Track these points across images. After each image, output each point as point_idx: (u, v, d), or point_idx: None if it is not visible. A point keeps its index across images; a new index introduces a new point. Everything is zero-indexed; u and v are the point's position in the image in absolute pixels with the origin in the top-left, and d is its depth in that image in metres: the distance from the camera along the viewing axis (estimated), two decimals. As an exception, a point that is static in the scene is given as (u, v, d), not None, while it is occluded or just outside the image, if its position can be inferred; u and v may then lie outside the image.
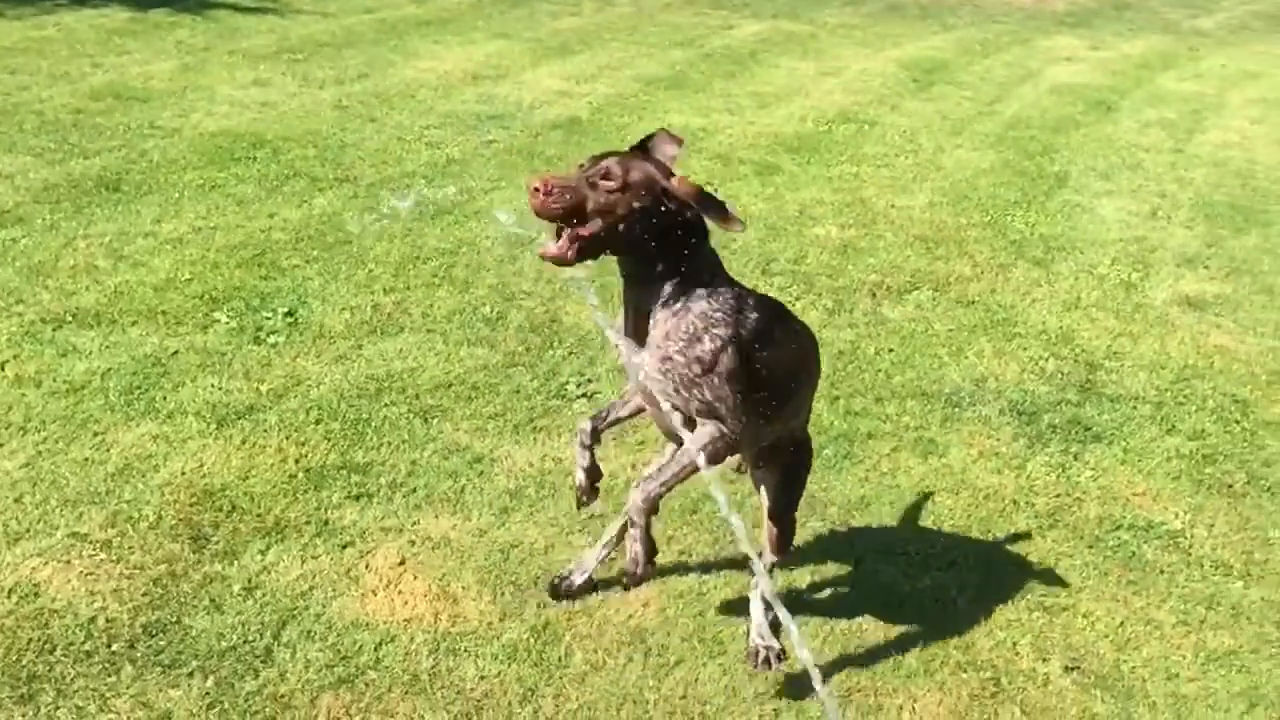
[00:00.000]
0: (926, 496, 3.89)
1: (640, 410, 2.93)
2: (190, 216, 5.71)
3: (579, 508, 3.11)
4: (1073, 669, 3.15)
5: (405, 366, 4.48)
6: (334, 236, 5.61)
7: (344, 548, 3.41)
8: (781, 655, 3.04)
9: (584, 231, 2.56)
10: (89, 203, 5.78)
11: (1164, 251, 6.28)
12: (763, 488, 3.09)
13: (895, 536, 3.69)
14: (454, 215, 6.04)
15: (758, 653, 3.05)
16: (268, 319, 4.73)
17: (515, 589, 3.31)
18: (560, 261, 2.60)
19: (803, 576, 3.46)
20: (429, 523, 3.56)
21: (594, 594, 3.30)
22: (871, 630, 3.25)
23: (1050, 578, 3.52)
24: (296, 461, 3.81)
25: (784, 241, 6.04)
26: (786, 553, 3.14)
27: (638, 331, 2.70)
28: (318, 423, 4.04)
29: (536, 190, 2.54)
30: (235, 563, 3.31)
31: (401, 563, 3.37)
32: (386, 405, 4.19)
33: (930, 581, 3.49)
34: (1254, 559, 3.69)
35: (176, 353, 4.43)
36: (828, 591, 3.41)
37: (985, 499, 3.90)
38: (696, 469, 2.69)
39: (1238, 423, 4.52)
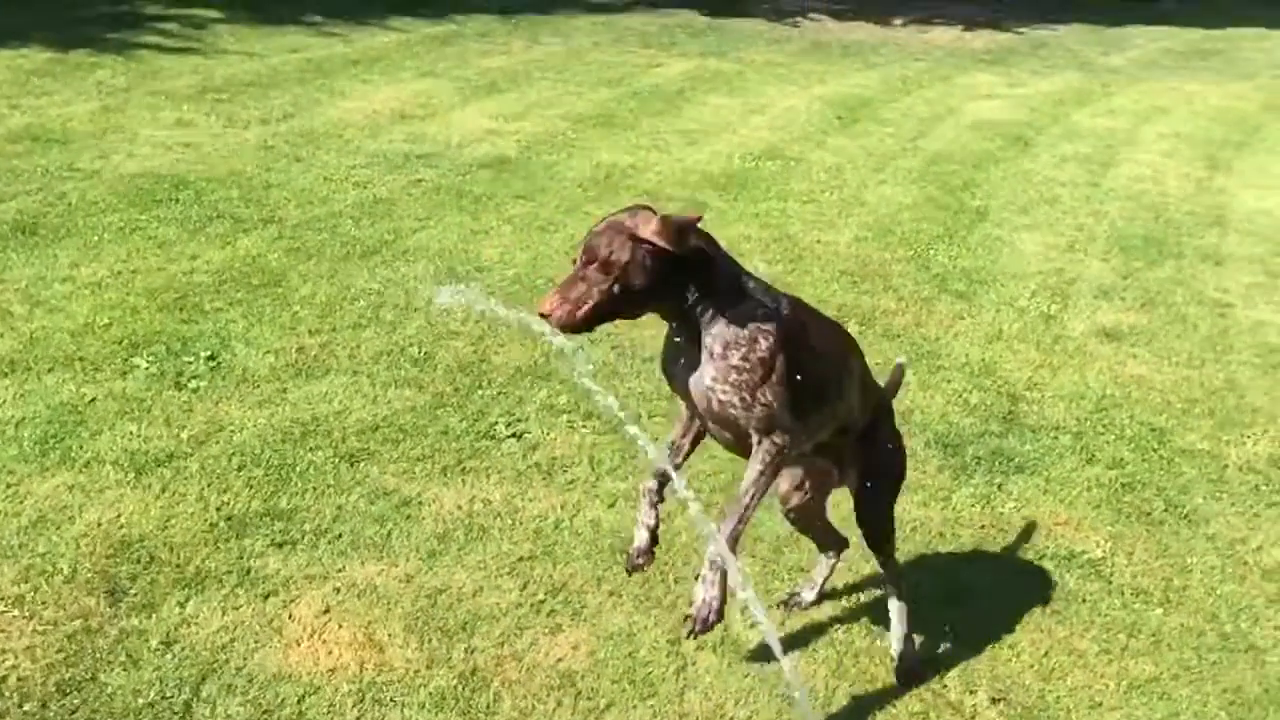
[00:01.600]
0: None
1: (696, 442, 2.95)
2: (110, 260, 5.61)
3: (630, 572, 2.99)
4: (999, 700, 3.18)
5: (331, 409, 4.42)
6: (258, 278, 5.54)
7: (266, 597, 3.35)
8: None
9: (587, 307, 2.53)
10: (4, 247, 5.65)
11: (1082, 283, 6.42)
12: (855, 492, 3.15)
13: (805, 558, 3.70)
14: (382, 255, 6.00)
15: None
16: (189, 363, 4.65)
17: (443, 635, 3.27)
18: (567, 329, 2.58)
19: (733, 615, 3.46)
20: (354, 569, 3.51)
21: (521, 635, 3.28)
22: (801, 666, 3.25)
23: (976, 609, 3.55)
24: (218, 509, 3.74)
25: (712, 278, 6.07)
26: (884, 551, 3.18)
27: (687, 360, 2.70)
28: (240, 469, 3.97)
29: (546, 317, 2.55)
30: (153, 615, 3.23)
31: (326, 611, 3.32)
32: (311, 450, 4.13)
33: (858, 616, 3.51)
34: (1173, 586, 3.77)
35: (94, 400, 4.33)
36: (755, 625, 3.41)
37: (912, 531, 3.93)
38: (766, 488, 2.72)
39: (1155, 451, 4.63)
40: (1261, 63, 14.39)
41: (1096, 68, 13.34)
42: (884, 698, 3.17)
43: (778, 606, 3.49)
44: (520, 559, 3.65)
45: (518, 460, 4.22)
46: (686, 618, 2.66)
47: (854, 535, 3.29)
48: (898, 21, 15.47)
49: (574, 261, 2.58)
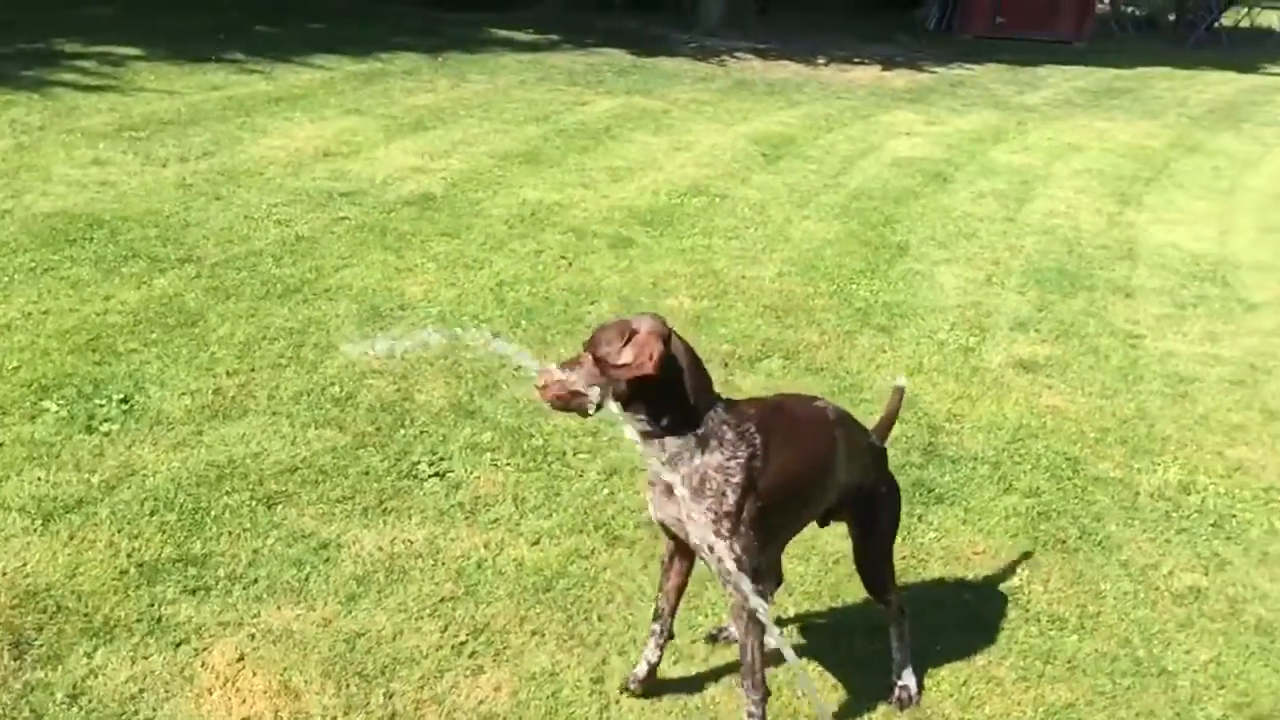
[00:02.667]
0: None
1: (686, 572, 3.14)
2: (20, 301, 5.48)
3: (622, 691, 3.23)
4: (920, 730, 3.21)
5: (248, 451, 4.35)
6: (175, 319, 5.45)
7: (178, 646, 3.27)
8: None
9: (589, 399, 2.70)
10: (-92, 288, 5.50)
11: (999, 316, 6.56)
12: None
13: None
14: (303, 294, 5.93)
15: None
16: (101, 406, 4.55)
17: (361, 679, 3.22)
18: (557, 408, 2.79)
19: (653, 650, 3.45)
20: (270, 614, 3.44)
21: (441, 678, 3.23)
22: (725, 703, 3.25)
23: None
24: (129, 556, 3.65)
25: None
26: (884, 599, 3.27)
27: (662, 488, 2.82)
28: (152, 514, 3.88)
29: (540, 389, 2.75)
30: (59, 667, 3.13)
31: (240, 659, 3.25)
32: (227, 493, 4.06)
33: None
34: (1087, 612, 3.83)
35: (0, 445, 4.21)
36: (677, 666, 3.40)
37: (835, 564, 3.96)
38: (759, 636, 2.86)
39: (1069, 479, 4.72)
40: (1169, 101, 14.88)
41: (1012, 106, 13.69)
42: (806, 731, 3.18)
43: (705, 640, 3.49)
44: (442, 600, 3.61)
45: (440, 499, 4.18)
46: None
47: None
48: (821, 61, 15.76)
49: (583, 345, 2.74)
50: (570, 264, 6.79)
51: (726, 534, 2.73)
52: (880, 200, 8.82)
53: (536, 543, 3.96)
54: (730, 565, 2.75)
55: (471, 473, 4.38)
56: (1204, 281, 7.47)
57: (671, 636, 3.26)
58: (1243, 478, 4.85)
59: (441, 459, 4.45)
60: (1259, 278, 7.64)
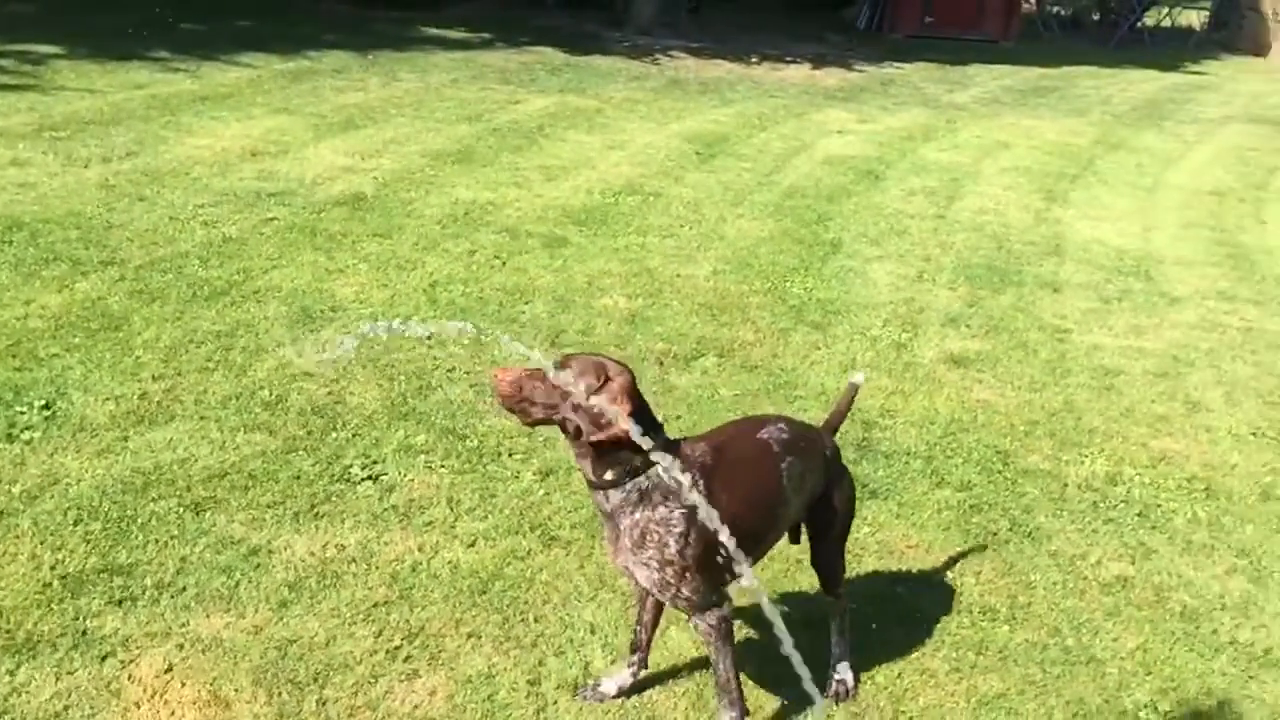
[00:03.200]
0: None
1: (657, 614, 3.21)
2: (-66, 306, 5.32)
3: (577, 697, 3.23)
4: (855, 724, 3.24)
5: (175, 457, 4.26)
6: (98, 323, 5.32)
7: (104, 659, 3.19)
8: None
9: (531, 415, 2.69)
10: None
11: (930, 312, 6.64)
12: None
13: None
14: (231, 296, 5.83)
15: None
16: (21, 414, 4.43)
17: (293, 687, 3.17)
18: (503, 406, 2.72)
19: (592, 643, 3.44)
20: (199, 623, 3.38)
21: (375, 684, 3.19)
22: (661, 702, 3.25)
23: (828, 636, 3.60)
24: (52, 568, 3.55)
25: (573, 314, 6.09)
26: (835, 593, 3.32)
27: (611, 535, 2.82)
28: (76, 524, 3.79)
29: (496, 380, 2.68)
30: (-22, 683, 3.04)
31: (168, 670, 3.18)
32: (154, 500, 3.97)
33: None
34: (1018, 603, 3.89)
35: (-85, 455, 4.09)
36: (617, 660, 3.39)
37: (770, 560, 3.96)
38: (730, 655, 2.90)
39: (1000, 472, 4.79)
40: (1093, 99, 15.19)
41: (942, 104, 13.88)
42: (744, 728, 3.18)
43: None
44: (375, 604, 3.56)
45: (374, 503, 4.13)
46: None
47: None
48: (753, 59, 15.85)
49: (553, 364, 2.66)
50: (504, 264, 6.75)
51: (673, 580, 2.75)
52: (813, 198, 8.88)
53: (472, 545, 3.93)
54: (684, 606, 2.82)
55: (405, 475, 4.33)
56: (1128, 276, 7.62)
57: (646, 666, 3.26)
58: (1167, 468, 4.95)
59: (375, 462, 4.40)
60: (1181, 272, 7.82)
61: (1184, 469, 4.96)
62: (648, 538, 2.73)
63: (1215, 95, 16.29)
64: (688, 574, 2.75)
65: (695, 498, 2.68)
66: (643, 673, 3.27)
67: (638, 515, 2.72)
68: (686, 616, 2.91)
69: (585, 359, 2.69)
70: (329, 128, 9.60)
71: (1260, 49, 21.27)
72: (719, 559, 2.79)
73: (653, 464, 2.69)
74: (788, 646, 2.59)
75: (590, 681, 3.27)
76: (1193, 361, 6.20)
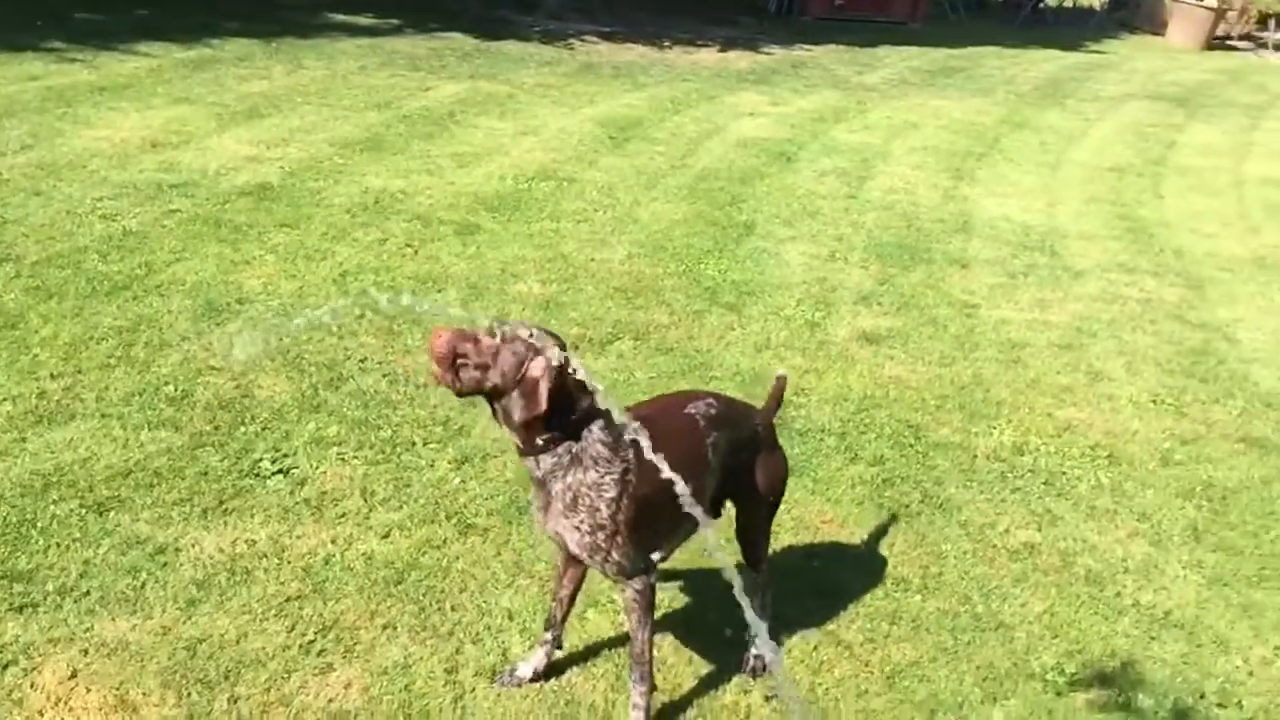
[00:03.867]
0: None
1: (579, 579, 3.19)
2: None
3: (496, 684, 3.22)
4: (771, 698, 3.27)
5: (76, 457, 4.15)
6: (-8, 321, 5.15)
7: (4, 667, 3.10)
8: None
9: (461, 380, 2.66)
10: None
11: (843, 291, 6.71)
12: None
13: (598, 587, 3.72)
14: (132, 290, 5.68)
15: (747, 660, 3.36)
16: (-89, 417, 4.27)
17: (204, 686, 3.11)
18: (434, 360, 2.69)
19: (510, 630, 3.43)
20: (104, 627, 3.29)
21: (289, 679, 3.15)
22: (580, 684, 3.25)
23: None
24: (-54, 574, 3.44)
25: (487, 300, 6.04)
26: (759, 568, 3.34)
27: (541, 501, 2.84)
28: (-28, 528, 3.67)
29: (435, 338, 2.67)
30: None
31: (72, 675, 3.10)
32: (54, 502, 3.86)
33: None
34: (930, 573, 3.97)
35: None
36: (535, 646, 3.38)
37: (688, 542, 3.99)
38: (650, 626, 2.95)
39: (911, 446, 4.87)
40: (998, 79, 15.46)
41: (852, 86, 14.02)
42: (663, 706, 3.20)
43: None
44: (288, 599, 3.51)
45: (284, 497, 4.06)
46: None
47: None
48: (666, 43, 15.84)
49: (490, 323, 2.70)
50: (416, 252, 6.67)
51: (604, 545, 2.80)
52: (726, 180, 8.92)
53: (386, 535, 3.89)
54: (613, 571, 2.86)
55: (317, 468, 4.27)
56: (1033, 251, 7.79)
57: (560, 647, 3.25)
58: (1071, 437, 5.08)
59: (285, 455, 4.33)
60: (1084, 246, 8.02)
61: (1087, 437, 5.09)
62: (579, 501, 2.76)
63: (1115, 74, 16.69)
64: (618, 538, 2.79)
65: (644, 441, 2.67)
66: (557, 653, 3.26)
67: (570, 479, 2.74)
68: (613, 583, 2.95)
69: (518, 327, 2.68)
70: (232, 117, 9.38)
71: (1158, 28, 21.85)
72: (648, 526, 2.84)
73: (583, 429, 2.72)
74: (739, 590, 2.62)
75: (507, 667, 3.26)
76: (1095, 333, 6.36)
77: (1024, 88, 14.90)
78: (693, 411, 3.08)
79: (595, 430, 2.74)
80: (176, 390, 4.72)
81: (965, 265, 7.37)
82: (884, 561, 4.01)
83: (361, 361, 5.17)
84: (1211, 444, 5.13)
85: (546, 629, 3.23)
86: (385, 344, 5.38)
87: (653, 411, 3.03)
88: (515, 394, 2.65)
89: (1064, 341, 6.19)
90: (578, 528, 2.79)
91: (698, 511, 2.70)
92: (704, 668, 3.38)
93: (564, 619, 3.24)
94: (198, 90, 10.18)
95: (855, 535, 4.17)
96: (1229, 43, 20.59)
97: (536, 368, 2.63)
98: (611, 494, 2.75)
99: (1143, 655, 3.64)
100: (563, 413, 2.69)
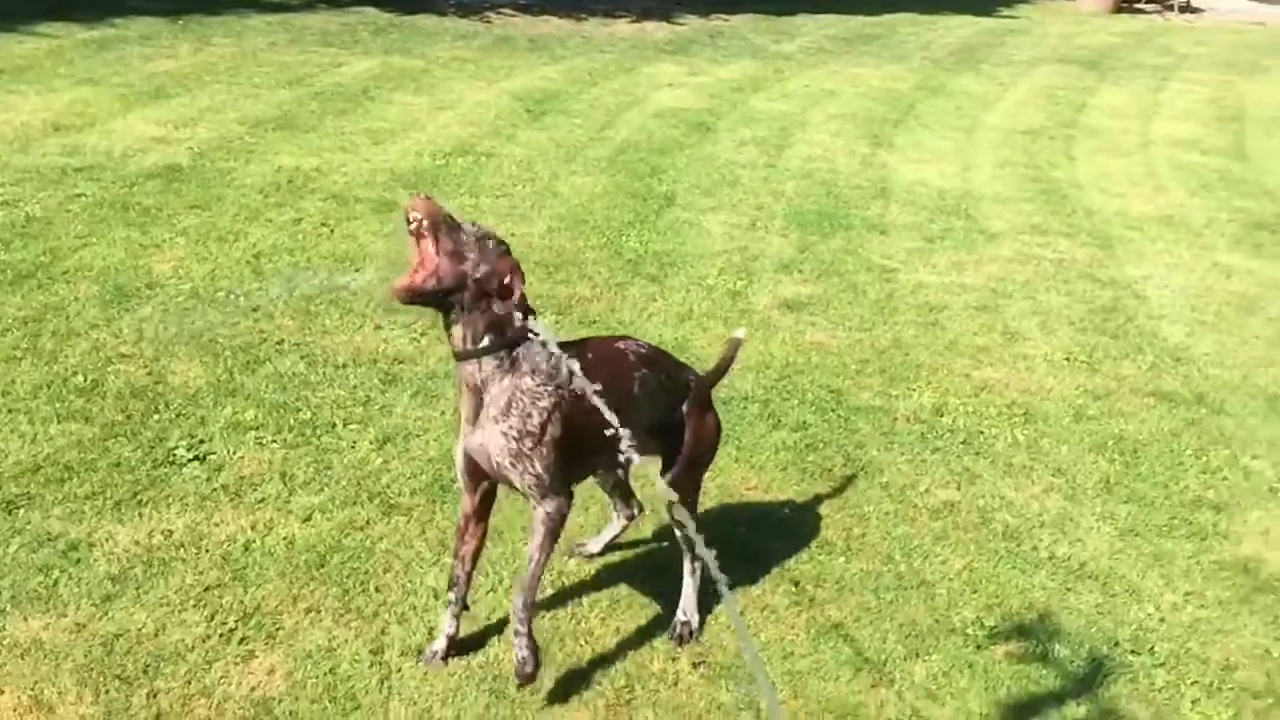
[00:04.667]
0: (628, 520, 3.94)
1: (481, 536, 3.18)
2: None
3: (419, 664, 3.18)
4: (699, 664, 3.30)
5: (-19, 452, 4.02)
6: (-113, 315, 4.97)
7: (-91, 669, 3.01)
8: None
9: (416, 279, 2.74)
10: None
11: (764, 259, 6.75)
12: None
13: (520, 563, 3.70)
14: (37, 279, 5.52)
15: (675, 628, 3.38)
16: None
17: (122, 682, 3.05)
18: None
19: (436, 608, 3.41)
20: (16, 627, 3.21)
21: (210, 670, 3.10)
22: (508, 660, 3.24)
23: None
24: None
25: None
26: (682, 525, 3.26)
27: (470, 413, 2.91)
28: None
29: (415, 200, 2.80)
30: None
31: (-17, 674, 3.01)
32: (-41, 499, 3.75)
33: (564, 601, 3.54)
34: (853, 534, 4.02)
35: None
36: (461, 623, 3.37)
37: (611, 511, 3.99)
38: (548, 557, 3.01)
39: (833, 411, 4.92)
40: (914, 46, 15.61)
41: (770, 55, 14.05)
42: (590, 677, 3.21)
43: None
44: (207, 588, 3.45)
45: (201, 484, 3.99)
46: (515, 676, 3.02)
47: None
48: (583, 15, 15.72)
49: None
50: (332, 231, 6.57)
51: (529, 450, 2.86)
52: (646, 152, 8.90)
53: (308, 519, 3.84)
54: (531, 484, 2.91)
55: (235, 453, 4.19)
56: (950, 215, 7.90)
57: (466, 608, 3.22)
58: (988, 396, 5.18)
59: (201, 442, 4.24)
60: (998, 209, 8.15)
61: (1004, 396, 5.19)
62: (513, 406, 2.84)
63: (1027, 38, 16.94)
64: (543, 449, 2.86)
65: (574, 366, 2.74)
66: (463, 615, 3.19)
67: (506, 382, 2.83)
68: (526, 499, 3.00)
69: (470, 231, 2.80)
70: (138, 98, 9.13)
71: (1067, -8, 22.16)
72: (573, 443, 2.91)
73: (524, 337, 2.83)
74: (691, 531, 2.75)
75: (425, 650, 3.22)
76: (1010, 294, 6.48)
77: (939, 53, 15.06)
78: (623, 348, 3.22)
79: (535, 344, 2.85)
80: (86, 380, 4.60)
81: (884, 231, 7.45)
82: (808, 525, 4.05)
83: (278, 344, 5.08)
84: (1122, 399, 5.26)
85: (450, 589, 3.17)
86: (303, 325, 5.29)
87: (587, 343, 3.20)
88: (494, 284, 2.77)
89: (980, 303, 6.30)
90: (505, 433, 2.85)
91: (625, 434, 2.70)
92: (631, 637, 3.40)
93: (468, 579, 3.18)
94: (101, 71, 9.89)
95: (779, 500, 4.21)
96: (1136, 6, 20.98)
97: (512, 262, 2.81)
98: (545, 404, 2.85)
99: (1059, 606, 3.73)
100: (507, 321, 2.81)
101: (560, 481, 2.97)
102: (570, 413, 2.87)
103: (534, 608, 3.07)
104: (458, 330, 2.82)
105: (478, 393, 2.87)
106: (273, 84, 10.04)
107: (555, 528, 2.99)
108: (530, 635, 3.00)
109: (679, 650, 3.35)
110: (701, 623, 3.46)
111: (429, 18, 14.30)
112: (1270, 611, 3.78)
